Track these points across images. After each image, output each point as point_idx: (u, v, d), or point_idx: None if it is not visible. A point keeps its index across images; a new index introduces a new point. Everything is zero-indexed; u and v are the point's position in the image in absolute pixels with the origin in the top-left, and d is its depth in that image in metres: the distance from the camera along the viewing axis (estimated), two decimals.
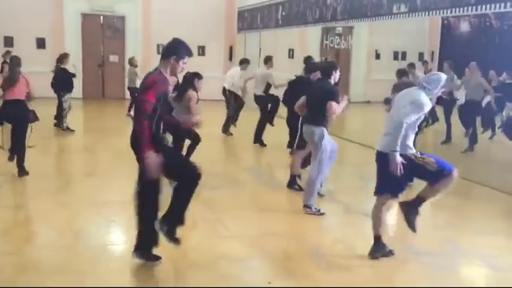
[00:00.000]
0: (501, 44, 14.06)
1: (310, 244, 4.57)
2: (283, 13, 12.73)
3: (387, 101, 10.90)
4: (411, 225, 4.04)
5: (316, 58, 16.02)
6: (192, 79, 6.20)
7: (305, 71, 6.27)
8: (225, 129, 9.81)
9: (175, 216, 3.75)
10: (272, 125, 9.11)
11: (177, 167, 3.72)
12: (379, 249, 4.11)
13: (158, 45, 14.87)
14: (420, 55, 16.21)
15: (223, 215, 5.16)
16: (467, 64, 9.64)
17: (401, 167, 3.79)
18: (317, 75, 5.98)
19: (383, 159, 3.96)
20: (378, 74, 15.75)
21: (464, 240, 4.79)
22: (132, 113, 11.74)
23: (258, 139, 8.91)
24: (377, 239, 4.11)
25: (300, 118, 5.88)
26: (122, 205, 5.45)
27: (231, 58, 16.19)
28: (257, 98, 9.23)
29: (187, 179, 3.66)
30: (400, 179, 3.87)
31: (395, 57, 16.72)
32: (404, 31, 15.55)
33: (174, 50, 3.62)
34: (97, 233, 4.69)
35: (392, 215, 4.68)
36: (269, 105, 9.06)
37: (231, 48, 16.34)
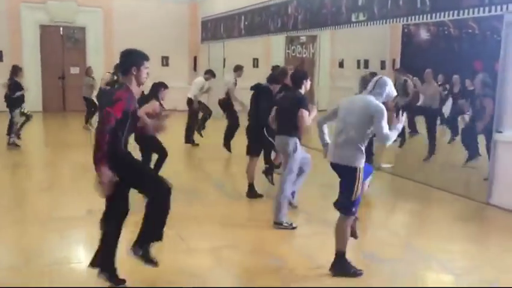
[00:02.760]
0: (460, 51, 14.43)
1: (272, 256, 4.50)
2: (246, 23, 12.75)
3: None
4: (352, 232, 4.06)
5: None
6: (157, 89, 6.23)
7: (268, 79, 6.24)
8: (188, 139, 9.70)
9: (150, 235, 3.66)
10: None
11: (145, 182, 3.63)
12: (342, 267, 4.03)
13: None
14: (382, 63, 16.47)
15: (182, 229, 5.03)
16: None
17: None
18: (277, 87, 5.99)
19: (335, 170, 3.96)
20: (342, 82, 15.92)
21: (422, 245, 4.81)
22: (89, 124, 11.54)
23: (226, 143, 8.92)
24: (341, 254, 4.03)
25: (263, 127, 5.90)
26: (78, 221, 5.31)
27: (195, 68, 16.11)
28: (219, 102, 9.48)
29: (157, 194, 3.58)
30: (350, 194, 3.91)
31: (358, 66, 16.95)
32: (366, 39, 15.75)
33: (130, 61, 3.54)
34: (49, 251, 4.49)
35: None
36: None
37: (195, 59, 16.26)
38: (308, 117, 5.05)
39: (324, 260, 4.19)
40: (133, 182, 3.60)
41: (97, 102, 11.46)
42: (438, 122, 10.31)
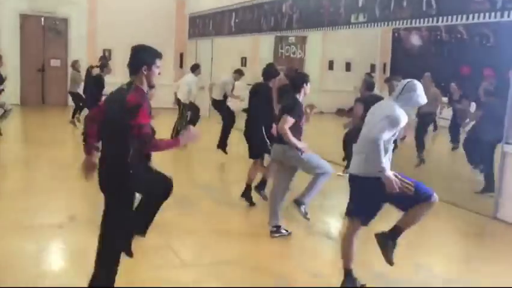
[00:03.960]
0: (449, 57, 14.30)
1: (271, 272, 4.12)
2: (237, 20, 12.33)
3: (340, 112, 10.58)
4: (388, 258, 3.63)
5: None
6: None
7: (263, 77, 5.81)
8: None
9: (136, 227, 3.56)
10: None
11: (152, 188, 3.46)
12: (350, 284, 3.68)
13: (104, 51, 14.11)
14: (372, 67, 16.24)
15: (174, 241, 4.62)
16: (417, 76, 9.46)
17: (397, 183, 3.38)
18: (276, 81, 5.61)
19: (354, 182, 3.57)
20: (331, 84, 15.65)
21: (431, 264, 4.48)
22: (76, 119, 10.96)
23: (222, 145, 8.55)
24: (348, 272, 3.68)
25: (262, 128, 5.52)
26: (59, 229, 4.84)
27: (181, 65, 15.64)
28: (215, 103, 9.31)
29: (159, 191, 3.48)
30: (375, 204, 3.50)
31: (347, 68, 16.71)
32: (357, 42, 15.53)
33: (141, 59, 3.13)
34: (23, 266, 4.01)
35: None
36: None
37: (181, 55, 15.79)
38: (285, 125, 4.54)
39: (328, 277, 3.87)
40: (141, 190, 3.44)
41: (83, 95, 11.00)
42: (431, 127, 10.12)
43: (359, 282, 3.68)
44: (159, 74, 3.21)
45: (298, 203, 4.77)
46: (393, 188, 3.34)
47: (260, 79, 5.95)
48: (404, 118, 3.46)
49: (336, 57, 16.47)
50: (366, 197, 3.51)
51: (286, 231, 4.81)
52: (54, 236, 4.71)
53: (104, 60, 9.69)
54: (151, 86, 3.23)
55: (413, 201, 3.46)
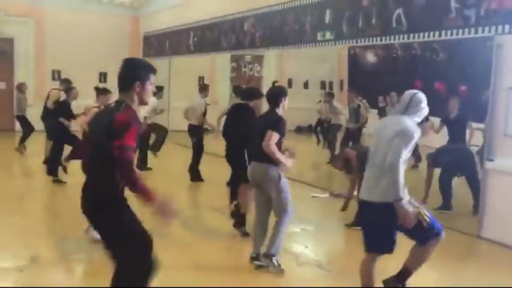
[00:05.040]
0: (404, 72, 14.56)
1: None
2: (195, 39, 12.01)
3: (299, 130, 10.25)
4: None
5: (227, 85, 15.60)
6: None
7: (242, 97, 5.46)
8: (142, 165, 8.66)
9: None
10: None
11: (129, 249, 2.87)
12: None
13: (53, 72, 13.44)
14: (330, 84, 16.31)
15: (155, 281, 4.16)
16: (374, 93, 9.53)
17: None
18: (258, 103, 5.28)
19: (367, 210, 3.29)
20: (290, 102, 15.45)
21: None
22: (23, 147, 10.20)
23: (195, 173, 8.09)
24: None
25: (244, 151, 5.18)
26: (19, 274, 4.28)
27: None
28: (192, 128, 8.31)
29: (131, 269, 2.87)
30: (391, 233, 3.23)
31: (305, 86, 16.69)
32: (313, 60, 15.56)
33: (134, 74, 2.78)
34: None
35: None
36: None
37: None
38: (271, 141, 4.20)
39: None
40: (115, 240, 2.80)
41: (31, 122, 10.24)
42: None
43: None
44: (151, 91, 2.88)
45: (268, 256, 4.36)
46: (408, 222, 3.08)
47: (220, 98, 5.73)
48: (417, 131, 3.22)
49: (294, 75, 16.42)
50: (382, 226, 3.21)
51: (279, 265, 4.39)
52: (15, 283, 4.15)
53: (67, 84, 8.77)
54: (143, 104, 2.87)
55: (424, 234, 3.22)
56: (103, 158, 2.68)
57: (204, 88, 8.53)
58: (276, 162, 4.33)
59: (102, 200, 2.75)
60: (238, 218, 5.41)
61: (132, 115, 2.69)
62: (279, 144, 4.35)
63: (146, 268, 2.87)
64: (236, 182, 5.56)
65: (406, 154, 3.15)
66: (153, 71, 2.85)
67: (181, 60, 13.09)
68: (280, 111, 4.45)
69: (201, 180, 8.14)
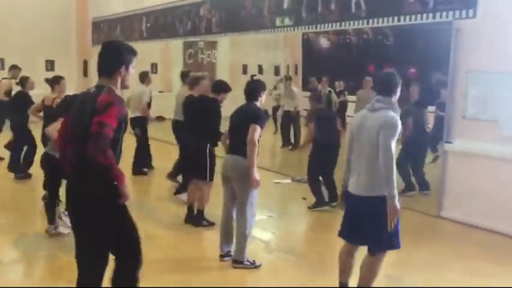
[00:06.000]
0: (358, 56, 14.78)
1: None
2: (148, 24, 11.69)
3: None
4: None
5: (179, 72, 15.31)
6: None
7: (213, 90, 5.27)
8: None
9: None
10: None
11: (122, 240, 2.79)
12: None
13: None
14: (286, 68, 16.33)
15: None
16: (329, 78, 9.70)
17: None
18: (224, 97, 5.16)
19: (360, 204, 3.28)
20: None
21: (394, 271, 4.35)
22: None
23: (139, 166, 7.74)
24: None
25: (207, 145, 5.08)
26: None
27: (85, 73, 14.55)
28: (135, 121, 7.67)
29: (126, 263, 2.81)
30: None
31: (260, 71, 16.62)
32: (266, 45, 15.50)
33: (119, 58, 2.67)
34: None
35: None
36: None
37: (85, 63, 14.69)
38: (256, 135, 4.12)
39: None
40: (107, 232, 2.69)
41: None
42: None
43: None
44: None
45: (238, 262, 4.29)
46: (393, 220, 3.10)
47: (173, 86, 5.59)
48: (399, 121, 3.21)
49: (248, 61, 16.31)
50: (379, 219, 3.17)
51: (253, 263, 4.31)
52: None
53: (17, 71, 8.13)
54: (124, 88, 2.76)
55: (387, 241, 3.24)
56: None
57: (144, 75, 7.87)
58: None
59: (98, 189, 2.60)
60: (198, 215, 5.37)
61: (116, 97, 2.57)
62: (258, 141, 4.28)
63: (138, 258, 2.86)
64: (188, 173, 5.56)
65: (394, 146, 3.15)
66: (135, 53, 2.75)
67: (133, 46, 12.67)
68: (258, 104, 4.35)
69: (145, 173, 7.79)
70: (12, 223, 5.47)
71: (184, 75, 7.02)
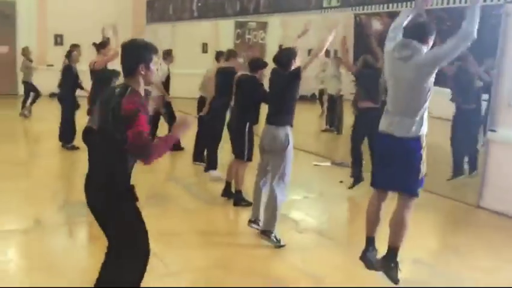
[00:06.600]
0: None
1: (265, 275, 3.84)
2: (199, 4, 11.83)
3: (302, 98, 10.29)
4: (393, 279, 3.44)
5: None
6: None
7: (250, 69, 5.32)
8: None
9: None
10: None
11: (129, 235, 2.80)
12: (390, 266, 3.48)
13: (56, 36, 13.31)
14: (335, 52, 16.10)
15: (155, 244, 4.22)
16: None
17: None
18: (263, 74, 5.20)
19: (394, 144, 3.34)
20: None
21: (422, 258, 4.32)
22: (26, 111, 10.23)
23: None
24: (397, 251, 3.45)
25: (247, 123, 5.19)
26: (21, 236, 4.36)
27: None
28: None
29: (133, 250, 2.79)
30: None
31: (310, 54, 16.46)
32: (317, 27, 15.30)
33: (136, 58, 2.69)
34: None
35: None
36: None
37: None
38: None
39: (329, 278, 3.67)
40: (115, 228, 2.78)
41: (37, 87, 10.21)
42: None
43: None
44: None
45: (266, 233, 4.35)
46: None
47: None
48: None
49: (299, 43, 16.17)
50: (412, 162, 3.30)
51: (279, 241, 4.35)
52: (20, 244, 4.23)
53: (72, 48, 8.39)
54: (149, 84, 2.86)
55: (407, 184, 3.32)
56: (111, 145, 2.66)
57: (167, 54, 7.96)
58: (286, 122, 4.31)
59: (110, 180, 2.70)
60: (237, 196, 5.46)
61: (139, 103, 2.61)
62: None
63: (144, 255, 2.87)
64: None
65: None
66: (155, 50, 2.75)
67: (184, 25, 12.91)
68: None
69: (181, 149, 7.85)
70: (59, 191, 5.85)
71: (218, 54, 7.07)
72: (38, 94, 10.33)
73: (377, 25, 16.18)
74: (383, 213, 3.52)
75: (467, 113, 6.42)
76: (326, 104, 11.47)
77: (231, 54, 6.38)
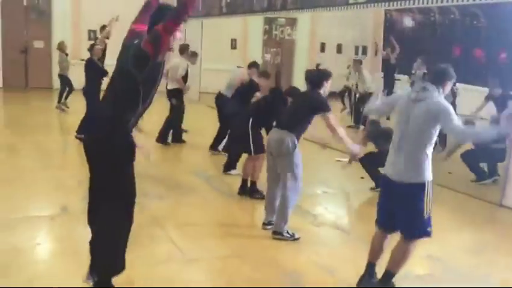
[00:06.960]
0: (442, 38, 14.13)
1: (281, 267, 3.92)
2: (228, 0, 11.94)
3: (332, 95, 10.40)
4: None
5: (259, 48, 15.52)
6: None
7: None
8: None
9: (103, 263, 3.12)
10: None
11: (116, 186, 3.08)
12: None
13: (89, 31, 13.65)
14: (364, 48, 15.99)
15: (174, 232, 4.38)
16: (410, 58, 9.30)
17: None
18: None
19: (398, 190, 3.29)
20: (322, 67, 15.36)
21: (444, 256, 4.32)
22: (63, 105, 10.57)
23: (162, 138, 7.98)
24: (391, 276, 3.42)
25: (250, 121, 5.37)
26: (51, 222, 4.57)
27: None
28: (169, 93, 8.09)
29: (116, 205, 3.06)
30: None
31: (338, 51, 16.41)
32: (347, 24, 15.23)
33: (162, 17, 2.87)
34: (20, 263, 3.74)
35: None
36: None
37: None
38: (333, 121, 4.29)
39: (347, 273, 3.69)
40: (107, 176, 3.09)
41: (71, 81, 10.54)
42: None
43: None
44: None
45: (277, 234, 4.40)
46: None
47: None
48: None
49: (327, 39, 16.15)
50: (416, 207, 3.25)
51: (292, 235, 4.42)
52: (47, 230, 4.44)
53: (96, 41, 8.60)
54: (170, 51, 2.98)
55: (418, 228, 3.27)
56: (126, 74, 2.82)
57: (184, 48, 8.09)
58: (294, 132, 4.36)
59: (112, 131, 2.87)
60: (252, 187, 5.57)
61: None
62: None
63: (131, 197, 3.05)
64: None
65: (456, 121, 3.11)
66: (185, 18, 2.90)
67: (213, 21, 13.06)
68: (322, 93, 4.40)
69: (183, 141, 8.14)
70: (84, 180, 6.04)
71: (253, 65, 7.24)
72: (71, 88, 10.63)
73: (408, 21, 16.05)
74: (388, 242, 3.49)
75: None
76: (350, 101, 11.46)
77: (264, 75, 6.29)
